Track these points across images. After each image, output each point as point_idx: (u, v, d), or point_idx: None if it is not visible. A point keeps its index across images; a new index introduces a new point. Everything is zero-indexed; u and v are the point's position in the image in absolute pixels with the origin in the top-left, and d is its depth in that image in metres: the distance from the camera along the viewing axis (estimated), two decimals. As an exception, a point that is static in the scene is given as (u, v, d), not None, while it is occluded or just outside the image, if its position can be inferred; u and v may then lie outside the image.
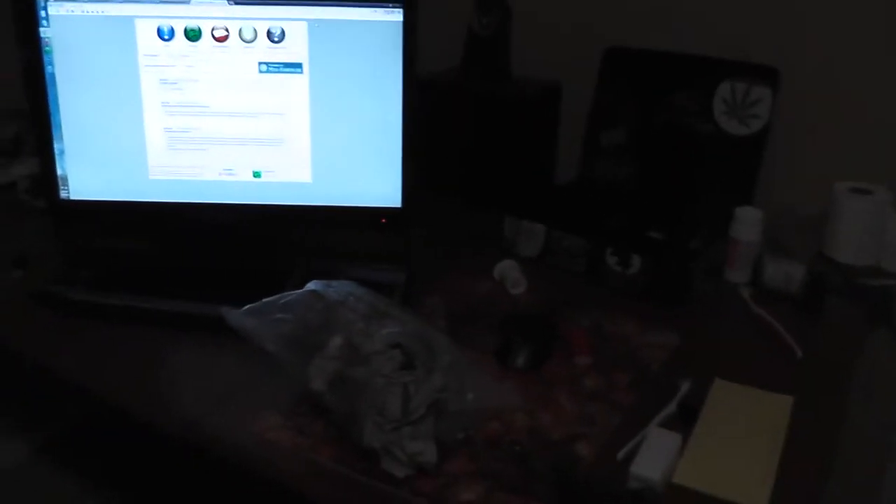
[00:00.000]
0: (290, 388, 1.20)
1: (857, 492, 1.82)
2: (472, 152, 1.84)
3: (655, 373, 1.31)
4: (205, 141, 1.52)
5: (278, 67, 1.48)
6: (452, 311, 1.46)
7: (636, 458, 1.08)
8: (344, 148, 1.52)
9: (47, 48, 1.48)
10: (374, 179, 1.53)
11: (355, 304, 1.18)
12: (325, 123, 1.50)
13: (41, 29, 1.47)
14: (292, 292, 1.22)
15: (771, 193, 1.71)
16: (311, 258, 1.51)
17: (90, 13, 1.46)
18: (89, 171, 1.55)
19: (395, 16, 1.44)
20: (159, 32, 1.46)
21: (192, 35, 1.46)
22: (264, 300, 1.21)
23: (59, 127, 1.52)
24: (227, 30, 1.46)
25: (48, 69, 1.50)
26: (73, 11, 1.46)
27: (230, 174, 1.53)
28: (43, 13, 1.47)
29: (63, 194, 1.57)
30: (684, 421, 1.18)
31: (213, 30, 1.46)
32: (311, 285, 1.23)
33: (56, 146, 1.53)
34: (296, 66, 1.47)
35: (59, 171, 1.55)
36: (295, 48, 1.46)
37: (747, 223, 1.55)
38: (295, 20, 1.45)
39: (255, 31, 1.46)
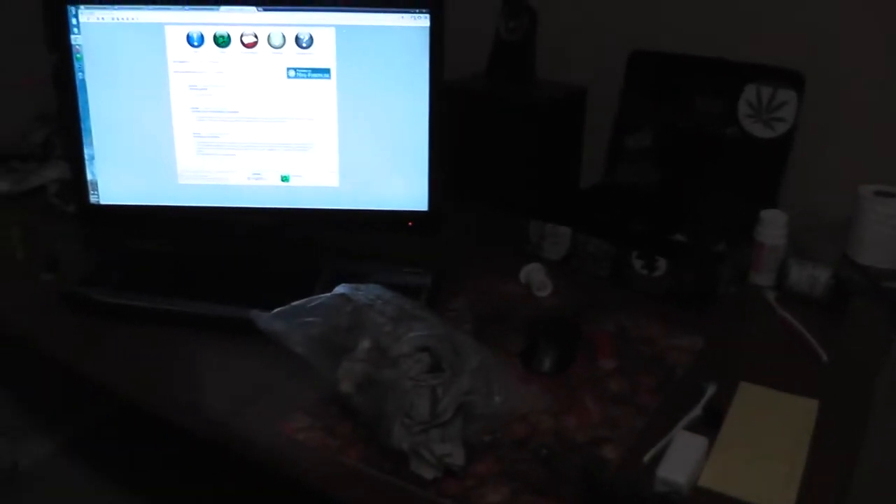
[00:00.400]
0: (318, 389, 1.21)
1: (881, 493, 1.81)
2: (497, 156, 1.85)
3: (681, 376, 1.31)
4: (233, 146, 1.53)
5: (306, 73, 1.49)
6: (478, 314, 1.47)
7: (662, 461, 1.08)
8: (371, 152, 1.53)
9: (78, 55, 1.51)
10: (401, 183, 1.54)
11: (383, 307, 1.19)
12: (353, 128, 1.52)
13: (72, 36, 1.49)
14: (321, 296, 1.23)
15: (796, 196, 1.70)
16: (339, 261, 1.53)
17: (121, 20, 1.48)
18: (119, 176, 1.57)
19: (422, 21, 1.46)
20: (189, 39, 1.48)
21: (222, 41, 1.48)
22: (293, 304, 1.22)
23: (90, 132, 1.54)
24: (255, 36, 1.48)
25: (78, 75, 1.52)
26: (103, 19, 1.48)
27: (258, 178, 1.55)
28: (74, 20, 1.49)
29: (93, 199, 1.59)
30: (710, 424, 1.18)
31: (241, 36, 1.48)
32: (339, 289, 1.24)
33: (86, 151, 1.56)
34: (324, 72, 1.49)
35: (88, 176, 1.57)
36: (323, 54, 1.48)
37: (772, 226, 1.55)
38: (323, 26, 1.46)
39: (283, 37, 1.47)
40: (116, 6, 1.48)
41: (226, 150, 1.54)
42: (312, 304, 1.21)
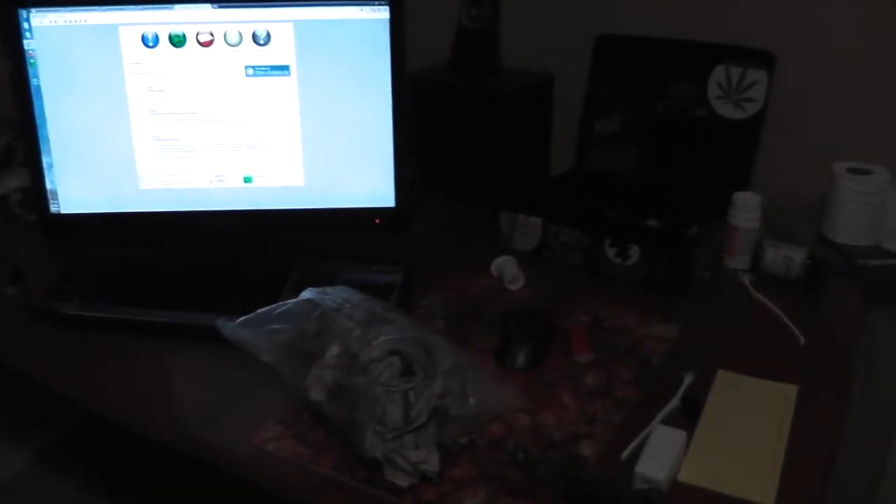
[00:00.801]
0: (289, 397, 1.19)
1: (861, 470, 1.81)
2: (464, 147, 1.83)
3: (657, 366, 1.29)
4: (194, 148, 1.50)
5: (265, 70, 1.46)
6: (450, 311, 1.45)
7: (641, 457, 1.06)
8: (335, 149, 1.50)
9: (32, 60, 1.47)
10: (367, 180, 1.52)
11: (351, 311, 1.17)
12: (315, 125, 1.49)
13: (25, 41, 1.46)
14: (287, 301, 1.20)
15: (769, 177, 1.69)
16: (307, 262, 1.50)
17: (73, 23, 1.44)
18: (79, 184, 1.54)
19: (382, 13, 1.43)
20: (144, 40, 1.45)
21: (177, 41, 1.45)
22: (259, 311, 1.19)
23: (48, 140, 1.51)
24: (211, 34, 1.44)
25: (34, 81, 1.48)
26: (55, 22, 1.45)
27: (221, 181, 1.52)
28: (26, 24, 1.45)
29: (53, 208, 1.55)
30: (688, 415, 1.17)
31: (197, 35, 1.45)
32: (306, 293, 1.22)
33: (45, 160, 1.52)
34: (283, 69, 1.46)
35: (48, 185, 1.54)
36: (281, 50, 1.45)
37: (746, 209, 1.54)
38: (280, 22, 1.43)
39: (240, 34, 1.44)
40: (68, 8, 1.44)
41: (187, 153, 1.51)
42: (279, 310, 1.19)
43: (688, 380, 1.23)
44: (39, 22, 1.45)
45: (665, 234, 1.54)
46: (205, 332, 1.30)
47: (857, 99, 1.67)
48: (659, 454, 1.07)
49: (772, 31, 1.67)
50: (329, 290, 1.22)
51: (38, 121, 1.50)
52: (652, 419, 1.15)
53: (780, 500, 1.03)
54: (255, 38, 1.44)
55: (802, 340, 1.35)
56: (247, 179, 1.52)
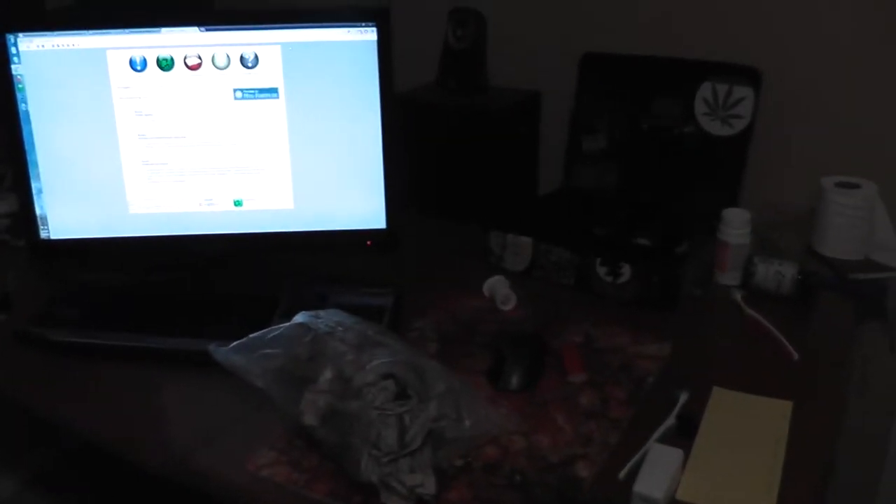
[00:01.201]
0: (282, 423, 1.18)
1: (856, 483, 1.81)
2: (453, 166, 1.82)
3: (651, 385, 1.29)
4: (183, 172, 1.50)
5: (253, 93, 1.46)
6: (443, 332, 1.44)
7: (638, 476, 1.06)
8: (324, 171, 1.50)
9: (20, 85, 1.46)
10: (357, 202, 1.51)
11: (344, 335, 1.17)
12: (304, 147, 1.49)
13: (13, 66, 1.45)
14: (279, 326, 1.20)
15: (758, 192, 1.70)
16: (298, 285, 1.49)
17: (61, 47, 1.44)
18: (69, 209, 1.53)
19: (369, 35, 1.43)
20: (132, 63, 1.45)
21: (165, 65, 1.45)
22: (251, 336, 1.19)
23: (36, 165, 1.50)
24: (199, 57, 1.44)
25: (22, 106, 1.47)
26: (43, 46, 1.44)
27: (210, 204, 1.51)
28: (14, 49, 1.44)
29: (43, 234, 1.54)
30: (684, 433, 1.17)
31: (185, 58, 1.44)
32: (298, 318, 1.21)
33: (34, 185, 1.51)
34: (271, 91, 1.46)
35: (38, 211, 1.53)
36: (269, 73, 1.45)
37: (735, 225, 1.54)
38: (268, 44, 1.43)
39: (228, 57, 1.44)
40: (56, 32, 1.43)
41: (176, 177, 1.50)
42: (271, 335, 1.18)
43: (683, 398, 1.23)
44: (27, 46, 1.44)
45: (655, 251, 1.54)
46: (195, 358, 1.30)
47: (844, 113, 1.68)
48: (657, 473, 1.06)
49: (758, 47, 1.68)
50: (321, 313, 1.21)
51: (26, 146, 1.49)
52: (647, 438, 1.15)
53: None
54: (242, 60, 1.44)
55: (796, 356, 1.35)
56: (237, 203, 1.51)
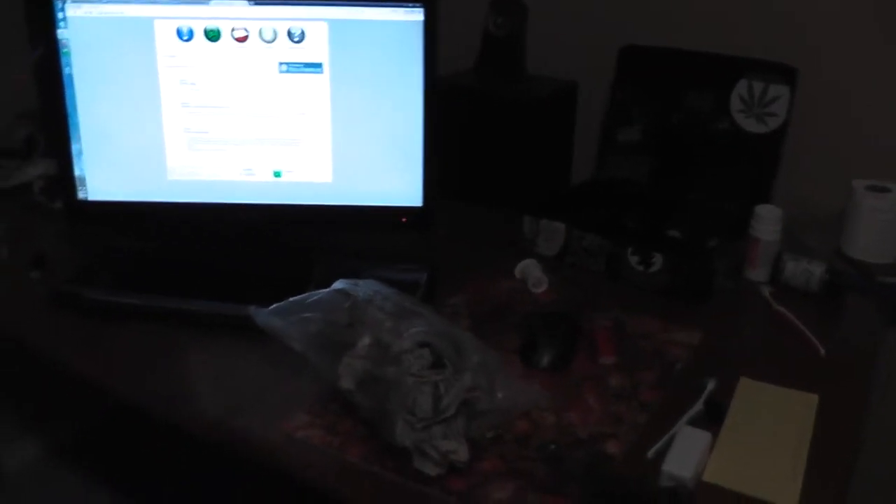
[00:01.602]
0: (318, 387, 1.20)
1: (878, 483, 1.82)
2: (487, 153, 1.83)
3: (680, 371, 1.30)
4: (224, 141, 1.51)
5: (298, 67, 1.47)
6: (474, 310, 1.46)
7: (667, 456, 1.07)
8: (364, 147, 1.51)
9: (65, 49, 1.48)
10: (395, 178, 1.53)
11: (382, 303, 1.18)
12: (346, 123, 1.50)
13: (58, 30, 1.47)
14: (319, 291, 1.21)
15: (790, 191, 1.70)
16: (332, 258, 1.51)
17: (109, 14, 1.46)
18: (107, 172, 1.55)
19: (416, 15, 1.44)
20: (178, 33, 1.46)
21: (212, 35, 1.46)
22: (291, 299, 1.20)
23: (77, 127, 1.52)
24: (246, 30, 1.46)
25: (65, 70, 1.49)
26: (90, 13, 1.46)
27: (250, 174, 1.53)
28: (61, 14, 1.46)
29: (81, 195, 1.56)
30: (711, 419, 1.18)
31: (232, 30, 1.46)
32: (337, 284, 1.23)
33: (73, 147, 1.53)
34: (316, 66, 1.47)
35: (76, 172, 1.55)
36: (315, 48, 1.46)
37: (767, 221, 1.55)
38: (315, 20, 1.45)
39: (275, 31, 1.46)
40: (104, 0, 1.45)
41: (217, 146, 1.52)
42: (311, 299, 1.20)
43: (710, 385, 1.24)
44: (74, 12, 1.46)
45: (687, 243, 1.55)
46: (232, 322, 1.32)
47: (876, 116, 1.68)
48: (685, 453, 1.08)
49: (794, 46, 1.68)
50: (360, 282, 1.23)
51: (68, 108, 1.51)
52: (675, 422, 1.16)
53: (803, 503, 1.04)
54: (289, 35, 1.46)
55: (823, 351, 1.36)
56: (276, 174, 1.53)
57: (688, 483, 1.04)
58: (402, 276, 1.46)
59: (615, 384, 1.27)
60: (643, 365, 1.31)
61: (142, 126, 1.51)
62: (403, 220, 1.54)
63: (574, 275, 1.59)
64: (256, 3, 1.45)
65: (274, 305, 1.19)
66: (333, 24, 1.45)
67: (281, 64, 1.47)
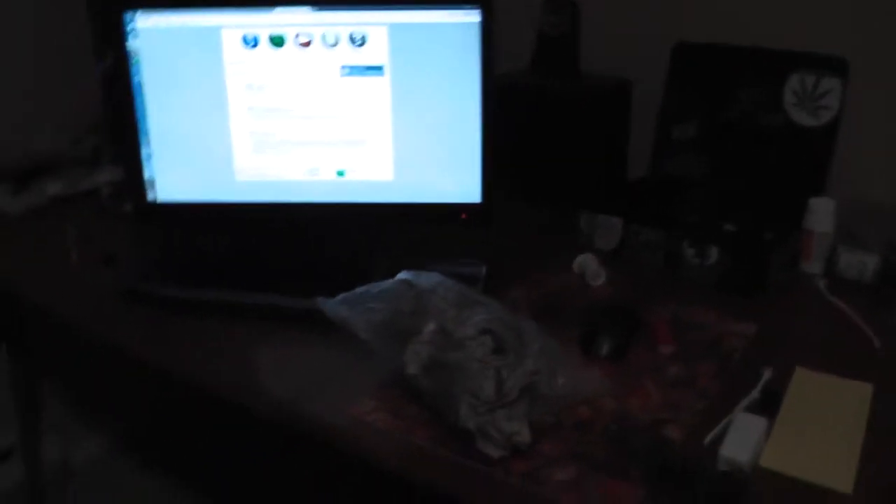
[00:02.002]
0: (382, 374, 1.24)
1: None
2: (543, 151, 1.86)
3: (737, 361, 1.32)
4: (289, 143, 1.57)
5: (360, 70, 1.52)
6: (533, 303, 1.49)
7: (725, 441, 1.09)
8: (424, 146, 1.55)
9: (135, 59, 1.54)
10: (454, 176, 1.56)
11: (445, 293, 1.22)
12: (406, 123, 1.54)
13: (129, 41, 1.53)
14: (384, 282, 1.26)
15: (843, 183, 1.71)
16: (393, 253, 1.55)
17: (177, 24, 1.52)
18: (176, 174, 1.61)
19: (473, 17, 1.48)
20: (244, 40, 1.52)
21: (277, 41, 1.51)
22: (357, 290, 1.24)
23: (147, 132, 1.58)
24: (310, 36, 1.51)
25: (136, 78, 1.55)
26: (159, 24, 1.52)
27: (315, 174, 1.58)
28: (131, 26, 1.52)
29: (150, 197, 1.62)
30: (767, 407, 1.20)
31: (296, 36, 1.51)
32: (401, 275, 1.27)
33: (143, 151, 1.59)
34: (377, 69, 1.52)
35: (146, 175, 1.61)
36: (376, 52, 1.51)
37: (821, 214, 1.57)
38: (376, 25, 1.49)
39: (337, 36, 1.50)
40: (173, 11, 1.51)
41: (282, 148, 1.57)
42: (376, 289, 1.24)
43: (766, 375, 1.26)
44: (144, 24, 1.52)
45: (743, 236, 1.57)
46: (300, 314, 1.36)
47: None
48: (742, 439, 1.10)
49: (845, 38, 1.68)
50: (423, 273, 1.26)
51: (137, 114, 1.57)
52: (732, 409, 1.18)
53: (858, 489, 1.05)
54: (351, 39, 1.50)
55: (877, 343, 1.37)
56: (340, 173, 1.58)
57: (745, 467, 1.06)
58: (462, 270, 1.48)
59: (673, 373, 1.29)
60: (700, 355, 1.34)
61: (209, 130, 1.57)
62: (463, 216, 1.58)
63: (631, 269, 1.62)
64: (319, 9, 1.50)
65: (341, 295, 1.24)
66: (393, 28, 1.49)
67: (343, 67, 1.52)
